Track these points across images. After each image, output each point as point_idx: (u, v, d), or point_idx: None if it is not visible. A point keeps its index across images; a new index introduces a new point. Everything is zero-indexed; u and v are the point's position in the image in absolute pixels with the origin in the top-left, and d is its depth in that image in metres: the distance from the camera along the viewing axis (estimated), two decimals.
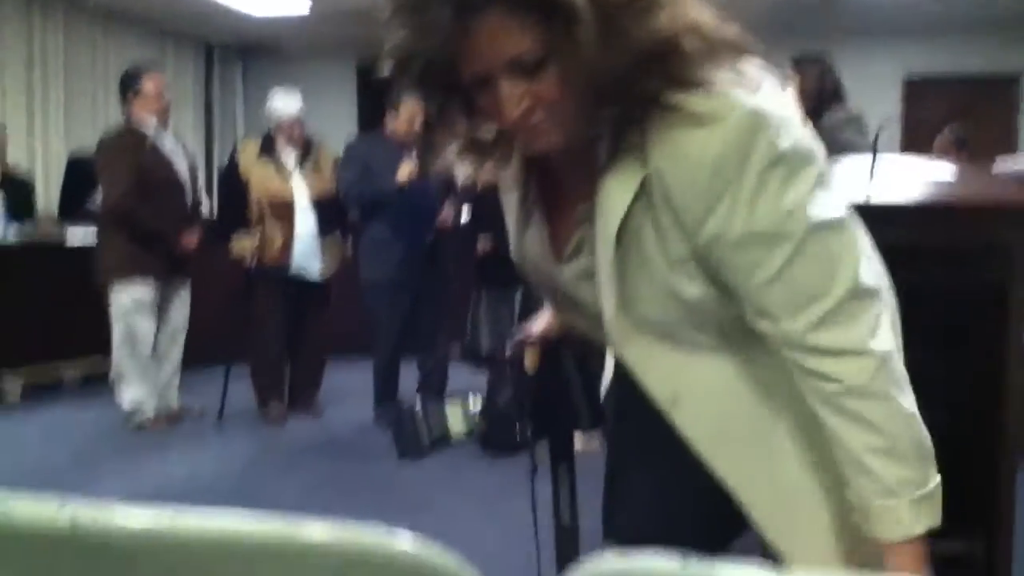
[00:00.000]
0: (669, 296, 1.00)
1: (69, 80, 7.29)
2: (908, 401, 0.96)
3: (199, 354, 4.75)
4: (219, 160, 8.11)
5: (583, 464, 1.34)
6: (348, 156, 4.41)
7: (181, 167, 4.37)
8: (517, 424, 1.29)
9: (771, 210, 0.91)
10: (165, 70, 5.06)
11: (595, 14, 0.83)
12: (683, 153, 0.91)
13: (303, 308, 4.49)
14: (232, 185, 4.39)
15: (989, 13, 7.01)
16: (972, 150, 5.43)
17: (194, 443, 4.10)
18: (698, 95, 0.90)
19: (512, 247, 1.15)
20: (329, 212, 4.44)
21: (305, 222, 4.38)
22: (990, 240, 1.95)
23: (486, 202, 4.32)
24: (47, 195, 6.81)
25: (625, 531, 1.22)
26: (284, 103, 4.40)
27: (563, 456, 1.30)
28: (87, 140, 7.01)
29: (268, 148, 4.41)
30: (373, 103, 6.72)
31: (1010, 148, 7.24)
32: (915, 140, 6.51)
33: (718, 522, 1.11)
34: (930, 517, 0.95)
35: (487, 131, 1.02)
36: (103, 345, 4.82)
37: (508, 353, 1.29)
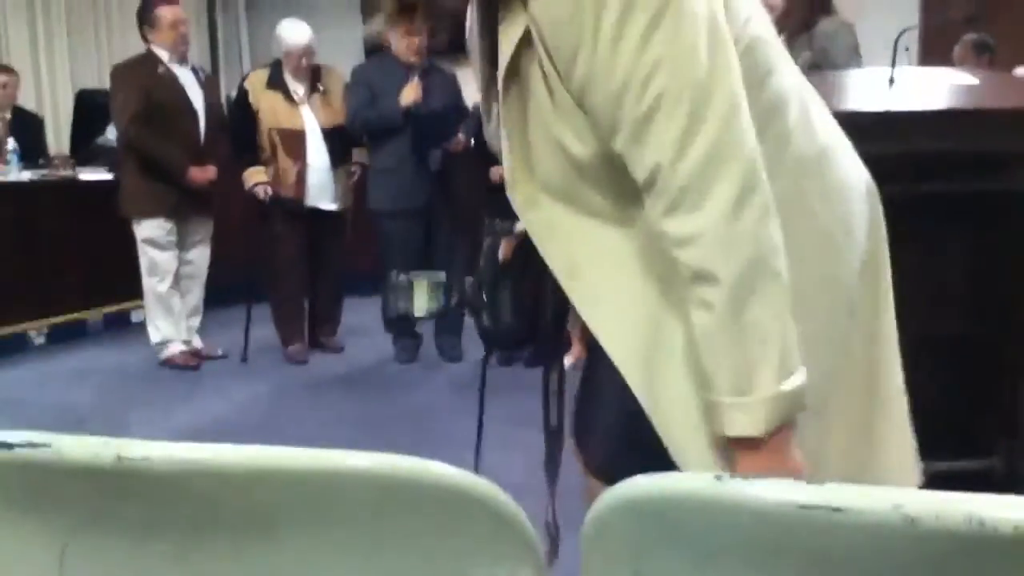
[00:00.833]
0: (559, 150, 0.95)
1: (72, 16, 7.17)
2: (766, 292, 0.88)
3: (220, 294, 4.79)
4: (225, 90, 8.02)
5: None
6: (354, 81, 4.35)
7: (196, 98, 4.32)
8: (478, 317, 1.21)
9: (631, 58, 0.85)
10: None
11: None
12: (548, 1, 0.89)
13: (320, 240, 4.50)
14: (243, 115, 4.35)
15: None
16: (994, 55, 5.29)
17: (218, 384, 4.15)
18: None
19: (485, 128, 1.13)
20: (340, 142, 4.41)
21: (318, 153, 4.35)
22: (1016, 147, 1.92)
23: None
24: (57, 133, 6.77)
25: (591, 434, 1.19)
26: (294, 32, 4.33)
27: (547, 357, 1.24)
28: (92, 77, 6.96)
29: (276, 78, 4.35)
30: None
31: None
32: (935, 47, 6.36)
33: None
34: (780, 416, 0.88)
35: None
36: (125, 286, 4.89)
37: (485, 243, 1.25)
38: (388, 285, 1.34)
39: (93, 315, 5.22)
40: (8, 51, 6.60)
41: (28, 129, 5.71)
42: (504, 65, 0.94)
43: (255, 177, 4.31)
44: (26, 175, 4.95)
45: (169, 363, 4.37)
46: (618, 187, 0.94)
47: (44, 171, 5.12)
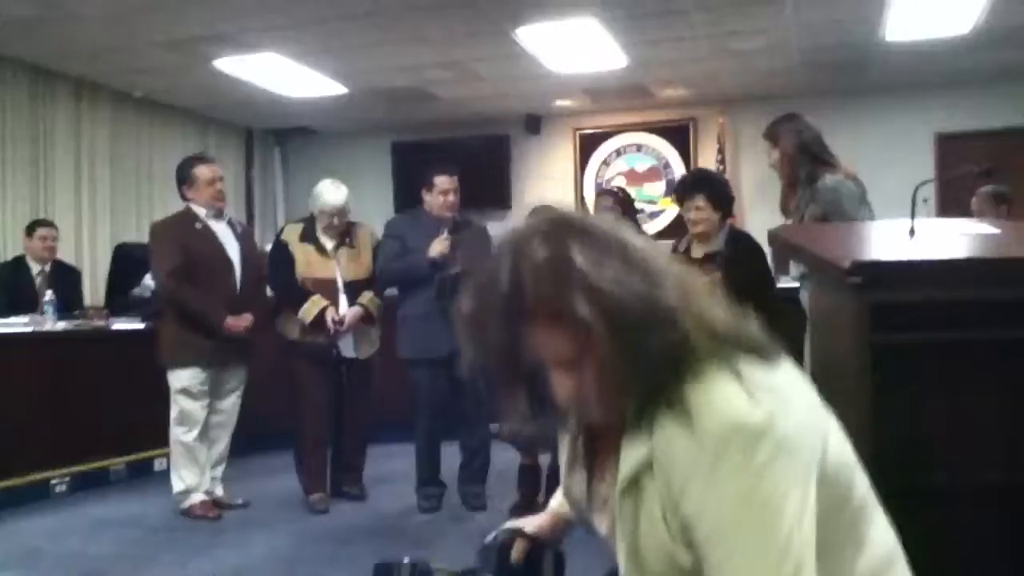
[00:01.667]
0: (670, 558, 1.07)
1: (115, 171, 7.53)
2: None
3: (246, 442, 4.78)
4: (260, 239, 8.27)
5: None
6: (387, 234, 4.48)
7: (232, 250, 4.45)
8: None
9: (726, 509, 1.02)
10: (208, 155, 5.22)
11: (608, 330, 1.03)
12: (669, 446, 1.05)
13: (346, 388, 4.52)
14: (283, 260, 4.45)
15: (1020, 64, 7.02)
16: (1012, 205, 5.38)
17: (238, 535, 4.08)
18: (695, 390, 1.05)
19: (562, 478, 1.31)
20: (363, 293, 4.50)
21: (343, 303, 4.44)
22: None
23: None
24: (94, 285, 6.97)
25: None
26: (331, 193, 4.49)
27: None
28: (132, 231, 7.23)
29: (310, 232, 4.50)
30: (408, 180, 6.84)
31: None
32: (952, 198, 6.47)
33: None
34: None
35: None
36: (150, 435, 4.89)
37: (497, 538, 1.38)
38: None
39: (116, 463, 5.19)
40: (54, 207, 6.89)
41: (66, 281, 5.89)
42: (623, 479, 1.10)
43: (318, 304, 4.35)
44: (61, 325, 5.06)
45: (190, 514, 4.32)
46: None
47: (78, 321, 5.23)
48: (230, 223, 4.54)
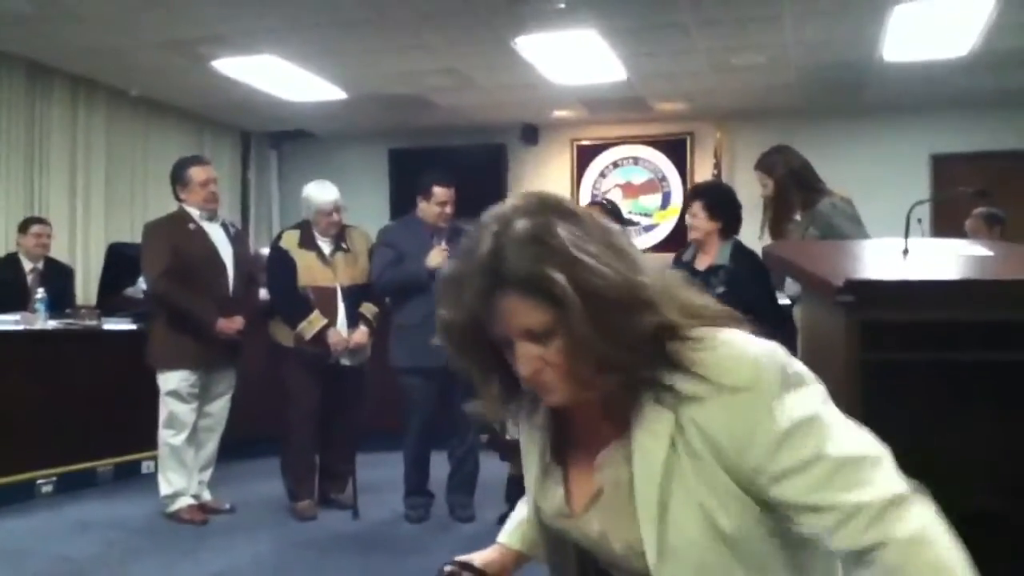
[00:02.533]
0: (709, 529, 1.08)
1: (110, 169, 7.51)
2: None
3: (233, 446, 4.75)
4: (254, 242, 8.25)
5: None
6: (381, 242, 4.46)
7: (225, 252, 4.43)
8: None
9: (798, 445, 1.05)
10: (204, 156, 5.22)
11: (585, 306, 1.03)
12: (708, 417, 1.07)
13: (336, 396, 4.50)
14: (285, 270, 4.43)
15: (1015, 89, 7.05)
16: (1005, 227, 5.39)
17: (225, 539, 4.06)
18: (701, 359, 1.07)
19: (529, 493, 1.29)
20: (360, 300, 4.49)
21: (344, 310, 4.43)
22: None
23: None
24: (86, 284, 6.95)
25: None
26: (321, 192, 4.48)
27: None
28: (126, 230, 7.21)
29: (307, 237, 4.48)
30: (405, 187, 6.85)
31: None
32: (946, 218, 6.49)
33: None
34: None
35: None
36: (137, 436, 4.86)
37: (444, 570, 1.36)
38: None
39: (103, 465, 5.16)
40: (48, 204, 6.87)
41: (58, 279, 5.87)
42: (659, 462, 1.09)
43: (317, 325, 4.35)
44: (51, 324, 5.03)
45: (176, 517, 4.29)
46: (754, 554, 1.09)
47: (69, 320, 5.21)
48: (223, 225, 4.53)
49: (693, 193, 4.17)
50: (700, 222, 3.92)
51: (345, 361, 4.45)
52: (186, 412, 4.33)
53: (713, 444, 1.06)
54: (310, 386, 4.42)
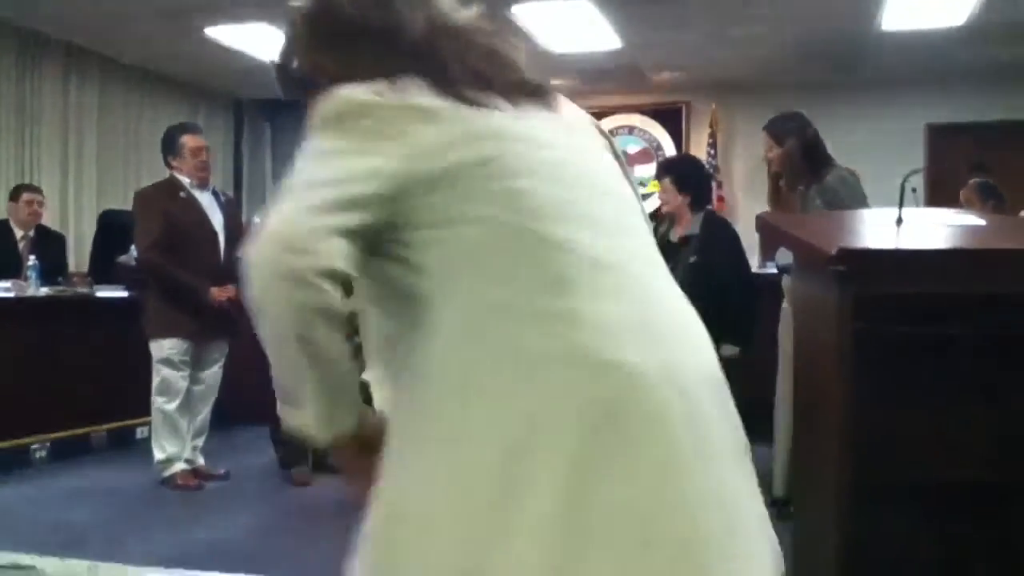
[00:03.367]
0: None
1: (102, 138, 7.45)
2: None
3: (228, 413, 4.75)
4: (247, 212, 8.21)
5: None
6: None
7: (216, 221, 4.41)
8: None
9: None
10: (197, 124, 5.18)
11: None
12: None
13: None
14: None
15: (1012, 58, 7.02)
16: (1000, 198, 5.39)
17: (219, 506, 4.08)
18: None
19: None
20: None
21: None
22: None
23: None
24: (79, 252, 6.92)
25: None
26: None
27: None
28: (118, 198, 7.17)
29: None
30: None
31: None
32: (940, 189, 6.49)
33: None
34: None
35: None
36: (132, 403, 4.87)
37: None
38: None
39: (97, 431, 5.17)
40: (39, 172, 6.82)
41: (50, 247, 5.83)
42: None
43: None
44: (44, 291, 5.02)
45: (170, 483, 4.31)
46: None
47: (62, 288, 5.19)
48: (214, 193, 4.51)
49: (662, 169, 4.36)
50: (670, 196, 4.10)
51: None
52: (178, 379, 4.34)
53: None
54: None
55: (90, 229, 6.79)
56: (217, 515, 3.92)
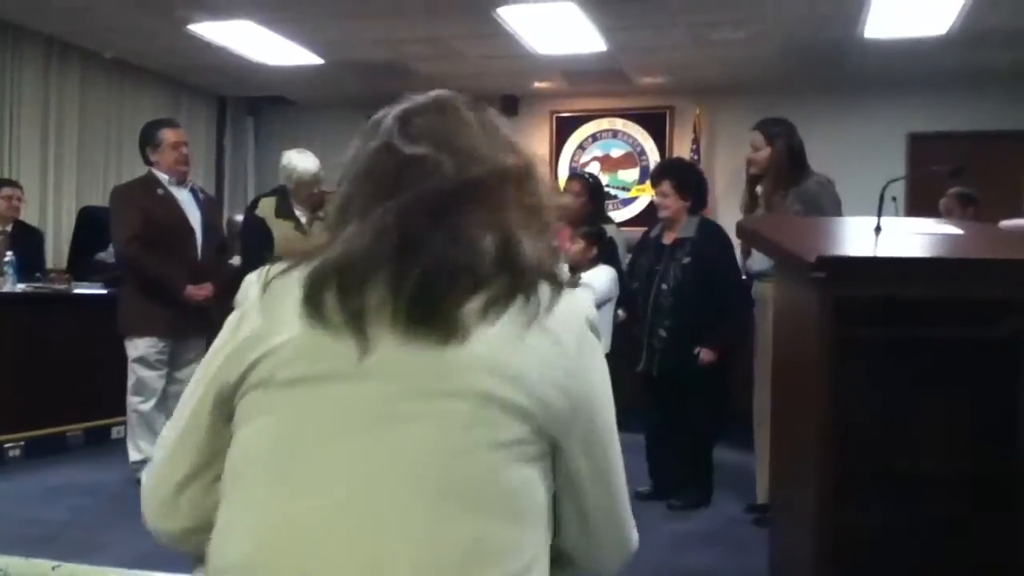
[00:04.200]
0: None
1: (83, 133, 7.39)
2: None
3: None
4: (228, 209, 8.16)
5: None
6: None
7: (194, 218, 4.38)
8: None
9: None
10: (179, 120, 5.14)
11: None
12: None
13: None
14: (260, 242, 4.38)
15: (992, 69, 7.08)
16: (979, 207, 5.44)
17: None
18: None
19: None
20: None
21: None
22: (999, 295, 1.94)
23: None
24: (57, 248, 6.86)
25: None
26: (303, 161, 4.44)
27: None
28: (98, 194, 7.11)
29: (284, 206, 4.44)
30: None
31: (1017, 204, 7.24)
32: (921, 197, 6.54)
33: None
34: None
35: None
36: (109, 402, 4.82)
37: None
38: None
39: (73, 430, 5.12)
40: (19, 167, 6.76)
41: (28, 243, 5.77)
42: None
43: None
44: (21, 288, 4.96)
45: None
46: None
47: (39, 284, 5.14)
48: (192, 190, 4.47)
49: (661, 172, 4.27)
50: (670, 200, 4.06)
51: None
52: (154, 378, 4.30)
53: None
54: None
55: (69, 224, 6.73)
56: None
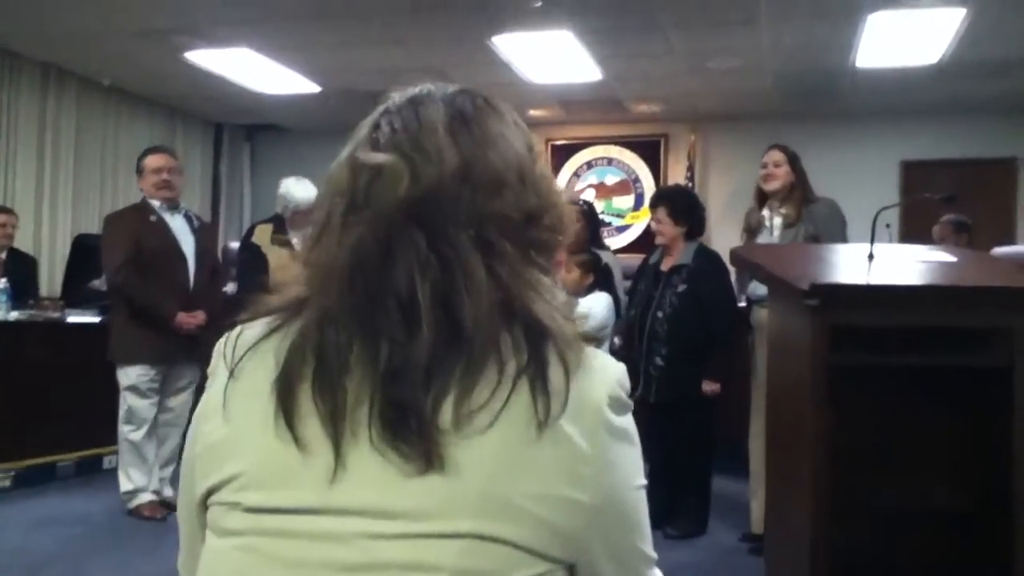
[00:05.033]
0: None
1: (79, 160, 7.40)
2: None
3: None
4: (224, 236, 8.17)
5: None
6: None
7: (187, 244, 4.36)
8: None
9: None
10: (174, 148, 5.16)
11: None
12: None
13: None
14: (257, 267, 4.36)
15: (986, 96, 7.14)
16: (972, 234, 5.45)
17: None
18: None
19: None
20: None
21: None
22: (992, 323, 1.93)
23: None
24: (51, 275, 6.84)
25: None
26: (301, 190, 4.45)
27: None
28: (93, 222, 7.11)
29: (281, 233, 4.44)
30: None
31: (1010, 231, 7.28)
32: (914, 224, 6.56)
33: None
34: None
35: None
36: (100, 431, 4.78)
37: None
38: None
39: (64, 459, 5.07)
40: (14, 194, 6.76)
41: (22, 270, 5.77)
42: None
43: None
44: (14, 315, 4.94)
45: (136, 514, 4.23)
46: None
47: (32, 312, 5.12)
48: (187, 216, 4.46)
49: (657, 199, 4.31)
50: (665, 227, 4.09)
51: None
52: (145, 407, 4.27)
53: None
54: None
55: (63, 252, 6.71)
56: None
